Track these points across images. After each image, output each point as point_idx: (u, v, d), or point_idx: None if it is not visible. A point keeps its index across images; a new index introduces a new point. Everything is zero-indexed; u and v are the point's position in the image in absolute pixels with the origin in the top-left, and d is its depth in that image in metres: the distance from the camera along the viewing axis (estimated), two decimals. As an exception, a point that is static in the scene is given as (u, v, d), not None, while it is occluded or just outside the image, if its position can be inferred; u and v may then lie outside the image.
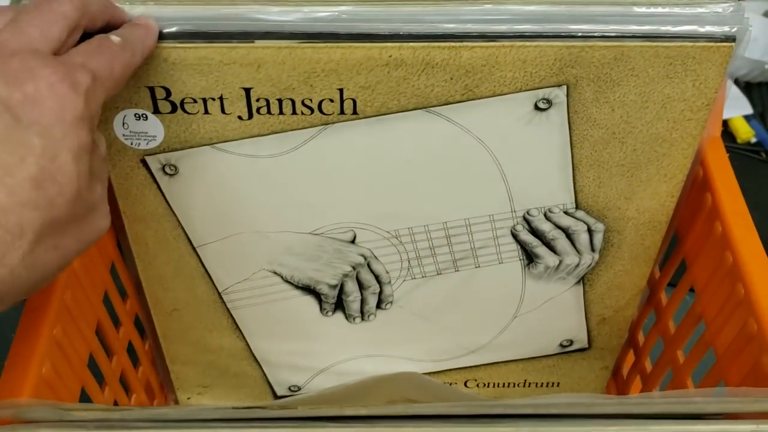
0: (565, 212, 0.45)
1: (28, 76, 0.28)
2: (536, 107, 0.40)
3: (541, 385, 0.57)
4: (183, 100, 0.39)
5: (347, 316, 0.51)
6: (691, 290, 0.46)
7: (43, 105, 0.28)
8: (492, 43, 0.37)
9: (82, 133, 0.29)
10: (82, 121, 0.29)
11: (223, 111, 0.39)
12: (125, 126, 0.40)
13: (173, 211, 0.44)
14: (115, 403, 0.47)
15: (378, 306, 0.50)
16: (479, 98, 0.39)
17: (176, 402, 0.56)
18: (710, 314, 0.43)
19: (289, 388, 0.56)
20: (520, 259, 0.47)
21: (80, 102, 0.28)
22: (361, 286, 0.49)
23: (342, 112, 0.39)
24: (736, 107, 0.77)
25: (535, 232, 0.46)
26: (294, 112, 0.39)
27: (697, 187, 0.45)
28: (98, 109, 0.30)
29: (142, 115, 0.39)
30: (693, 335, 0.46)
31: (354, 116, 0.39)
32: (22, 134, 0.27)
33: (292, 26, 0.37)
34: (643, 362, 0.53)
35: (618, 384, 0.58)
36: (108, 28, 0.34)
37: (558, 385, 0.57)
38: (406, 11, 0.38)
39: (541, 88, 0.39)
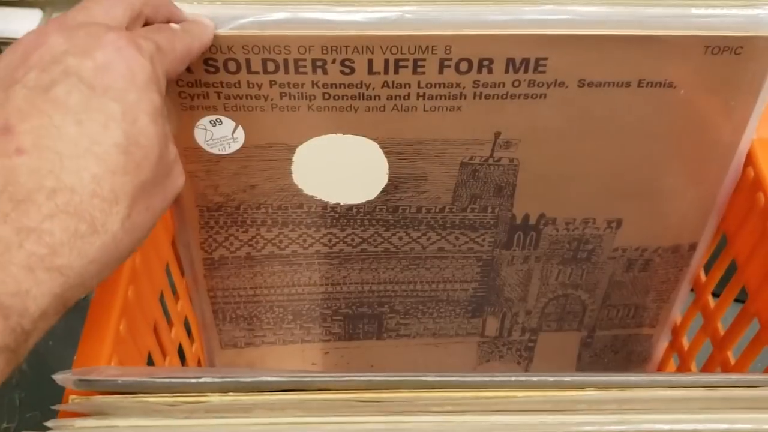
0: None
1: (96, 44, 0.28)
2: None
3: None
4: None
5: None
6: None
7: (115, 71, 0.28)
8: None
9: (155, 95, 0.29)
10: (152, 83, 0.29)
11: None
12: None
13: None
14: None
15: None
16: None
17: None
18: (766, 313, 0.43)
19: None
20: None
21: (147, 64, 0.29)
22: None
23: None
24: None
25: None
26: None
27: (747, 187, 0.45)
28: (164, 76, 0.31)
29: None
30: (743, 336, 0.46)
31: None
32: (100, 102, 0.28)
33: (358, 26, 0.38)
34: (688, 367, 0.53)
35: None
36: (168, 22, 0.34)
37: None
38: (467, 11, 0.38)
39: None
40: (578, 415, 0.29)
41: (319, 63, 0.38)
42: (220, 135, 0.41)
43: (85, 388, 0.29)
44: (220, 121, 0.41)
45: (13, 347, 0.25)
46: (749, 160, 0.45)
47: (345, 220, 0.46)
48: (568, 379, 0.29)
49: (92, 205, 0.26)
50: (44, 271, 0.25)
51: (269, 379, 0.29)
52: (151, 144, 0.29)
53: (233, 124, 0.41)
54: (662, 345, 0.56)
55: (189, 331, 0.52)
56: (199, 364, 0.55)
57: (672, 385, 0.29)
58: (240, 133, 0.41)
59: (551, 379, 0.29)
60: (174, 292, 0.49)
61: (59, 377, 0.29)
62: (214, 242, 0.47)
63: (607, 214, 0.47)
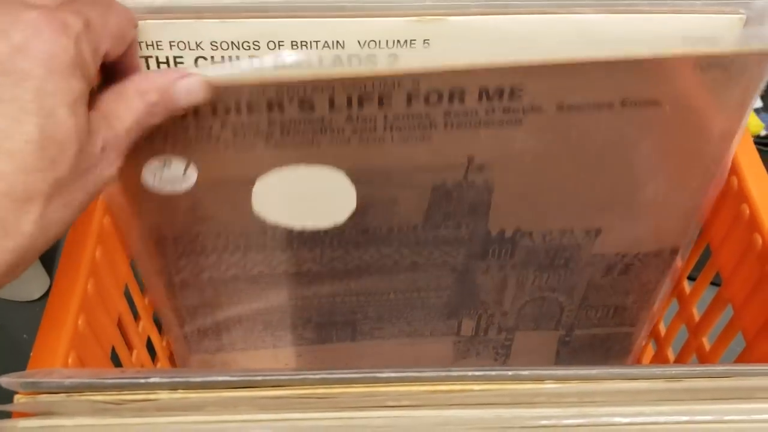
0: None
1: (13, 23, 0.26)
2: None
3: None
4: None
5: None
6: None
7: (32, 55, 0.26)
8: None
9: (75, 81, 0.27)
10: (74, 67, 0.27)
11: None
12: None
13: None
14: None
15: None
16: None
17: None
18: (739, 298, 0.43)
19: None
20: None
21: (71, 46, 0.26)
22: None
23: None
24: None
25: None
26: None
27: (732, 197, 0.44)
28: (94, 56, 0.28)
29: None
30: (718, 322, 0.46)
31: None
32: (14, 91, 0.25)
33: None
34: (665, 353, 0.52)
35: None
36: None
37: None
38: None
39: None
40: (536, 408, 0.28)
41: (275, 102, 0.37)
42: (170, 176, 0.40)
43: (31, 390, 0.28)
44: (170, 161, 0.39)
45: None
46: (733, 168, 0.43)
47: (312, 242, 0.45)
48: (526, 372, 0.28)
49: (2, 206, 0.25)
50: None
51: (220, 378, 0.28)
52: (68, 138, 0.26)
53: (183, 163, 0.39)
54: (642, 341, 0.55)
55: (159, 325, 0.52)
56: (171, 356, 0.54)
57: (633, 377, 0.28)
58: (192, 171, 0.40)
59: (509, 372, 0.28)
60: (141, 284, 0.48)
61: (5, 380, 0.28)
62: (174, 268, 0.46)
63: (585, 224, 0.45)
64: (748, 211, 0.42)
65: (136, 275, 0.47)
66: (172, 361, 0.54)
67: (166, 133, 0.38)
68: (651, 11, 0.37)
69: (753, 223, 0.41)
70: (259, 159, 0.39)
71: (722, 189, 0.44)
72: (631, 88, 0.38)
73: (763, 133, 0.76)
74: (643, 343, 0.56)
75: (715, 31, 0.38)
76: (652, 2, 0.37)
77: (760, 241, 0.40)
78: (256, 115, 0.37)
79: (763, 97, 0.78)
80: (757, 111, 0.77)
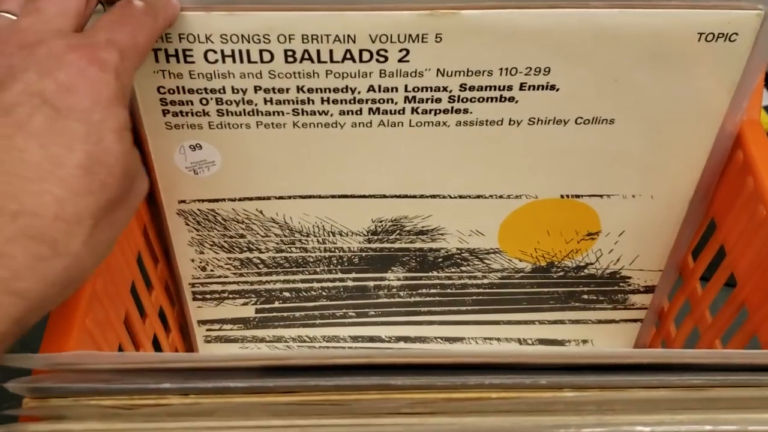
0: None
1: (57, 64, 0.28)
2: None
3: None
4: None
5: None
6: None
7: (78, 91, 0.27)
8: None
9: (120, 110, 0.29)
10: (117, 99, 0.29)
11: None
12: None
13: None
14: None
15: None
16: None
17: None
18: (754, 301, 0.42)
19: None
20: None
21: (112, 81, 0.28)
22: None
23: None
24: (756, 98, 0.76)
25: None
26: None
27: (736, 171, 0.44)
28: (130, 82, 0.30)
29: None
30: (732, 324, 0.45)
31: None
32: (63, 123, 0.27)
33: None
34: (676, 353, 0.52)
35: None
36: None
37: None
38: None
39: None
40: (555, 416, 0.28)
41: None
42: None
43: (39, 395, 0.28)
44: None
45: None
46: (738, 142, 0.43)
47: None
48: (544, 380, 0.27)
49: (54, 228, 0.26)
50: (5, 294, 0.25)
51: (231, 384, 0.27)
52: (116, 162, 0.28)
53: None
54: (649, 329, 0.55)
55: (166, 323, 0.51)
56: (180, 328, 0.54)
57: (653, 386, 0.28)
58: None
59: (527, 380, 0.27)
60: (147, 281, 0.47)
61: (12, 386, 0.28)
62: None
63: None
64: (764, 213, 0.41)
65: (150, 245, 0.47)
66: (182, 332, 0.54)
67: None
68: (666, 6, 0.37)
69: (770, 225, 0.40)
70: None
71: (737, 188, 0.43)
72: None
73: (774, 129, 0.75)
74: (650, 339, 0.55)
75: (732, 27, 0.37)
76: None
77: (776, 243, 0.40)
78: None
79: (773, 93, 0.77)
80: (766, 108, 0.76)
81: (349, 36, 0.36)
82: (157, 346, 0.49)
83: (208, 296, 0.51)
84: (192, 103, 0.39)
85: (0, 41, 0.28)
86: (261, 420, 0.28)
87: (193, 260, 0.49)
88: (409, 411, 0.28)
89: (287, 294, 0.51)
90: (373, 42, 0.37)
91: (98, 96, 0.28)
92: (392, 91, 0.39)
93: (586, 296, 0.52)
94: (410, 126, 0.40)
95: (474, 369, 0.28)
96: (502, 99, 0.39)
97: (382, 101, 0.39)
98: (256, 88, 0.38)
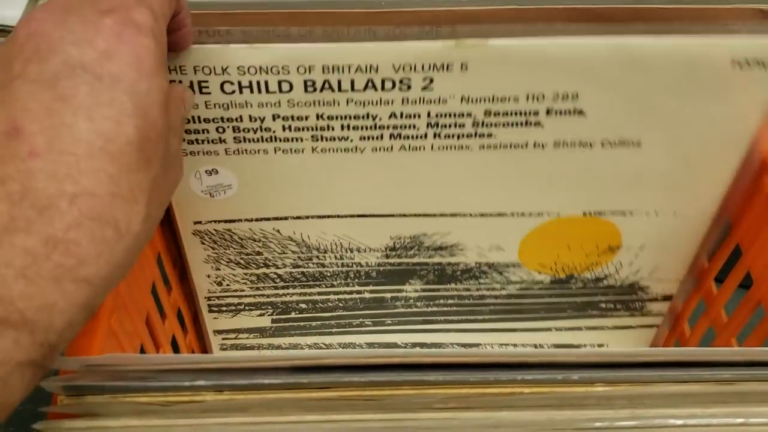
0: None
1: (93, 31, 0.26)
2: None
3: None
4: None
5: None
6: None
7: (119, 57, 0.26)
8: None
9: (161, 79, 0.27)
10: (158, 66, 0.27)
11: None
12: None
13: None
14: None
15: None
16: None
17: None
18: (772, 299, 0.42)
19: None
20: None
21: (152, 44, 0.27)
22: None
23: None
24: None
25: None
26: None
27: (753, 171, 0.44)
28: (165, 43, 0.29)
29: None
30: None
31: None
32: (110, 95, 0.25)
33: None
34: (690, 353, 0.52)
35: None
36: None
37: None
38: None
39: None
40: (588, 410, 0.28)
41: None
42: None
43: (74, 393, 0.28)
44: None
45: (40, 362, 0.24)
46: (756, 144, 0.44)
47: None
48: (576, 376, 0.28)
49: (114, 206, 0.25)
50: (72, 282, 0.24)
51: (265, 381, 0.27)
52: (160, 137, 0.27)
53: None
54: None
55: (182, 322, 0.51)
56: (192, 353, 0.54)
57: (683, 380, 0.28)
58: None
59: (559, 376, 0.28)
60: (166, 282, 0.47)
61: (46, 384, 0.28)
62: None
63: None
64: (781, 212, 0.41)
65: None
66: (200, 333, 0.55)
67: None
68: (699, 32, 0.36)
69: (787, 224, 0.41)
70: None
71: (753, 188, 0.44)
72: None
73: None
74: (664, 340, 0.56)
75: (766, 53, 0.37)
76: (700, 25, 0.36)
77: (794, 241, 0.40)
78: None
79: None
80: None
81: (371, 66, 0.36)
82: (174, 347, 0.49)
83: (224, 308, 0.51)
84: (208, 132, 0.38)
85: (27, 15, 0.26)
86: (295, 415, 0.28)
87: (209, 276, 0.49)
88: (441, 406, 0.28)
89: (303, 306, 0.51)
90: (396, 72, 0.36)
91: (141, 64, 0.26)
92: (414, 117, 0.38)
93: (603, 305, 0.52)
94: (432, 150, 0.40)
95: (506, 367, 0.28)
96: (528, 124, 0.39)
97: (403, 127, 0.39)
98: (275, 117, 0.38)
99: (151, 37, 0.27)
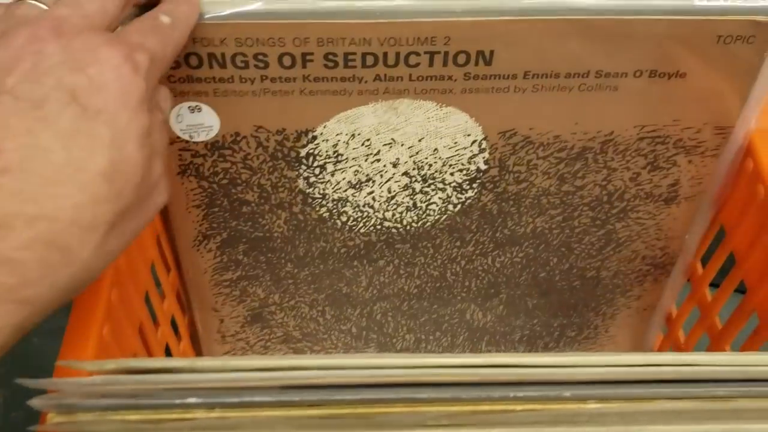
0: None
1: (92, 60, 0.27)
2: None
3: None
4: None
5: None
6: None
7: (108, 91, 0.27)
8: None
9: (144, 116, 0.28)
10: (143, 103, 0.28)
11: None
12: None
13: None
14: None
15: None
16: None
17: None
18: (766, 308, 0.42)
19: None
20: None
21: (142, 83, 0.28)
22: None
23: None
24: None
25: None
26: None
27: (747, 179, 0.44)
28: (155, 89, 0.30)
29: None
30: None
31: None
32: (90, 125, 0.26)
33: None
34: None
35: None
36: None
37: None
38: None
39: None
40: (580, 427, 0.28)
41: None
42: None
43: (64, 411, 0.28)
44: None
45: None
46: (749, 151, 0.44)
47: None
48: (568, 393, 0.27)
49: (70, 233, 0.25)
50: (10, 303, 0.24)
51: (257, 399, 0.27)
52: (134, 170, 0.27)
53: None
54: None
55: (176, 329, 0.51)
56: (191, 337, 0.54)
57: (676, 397, 0.28)
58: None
59: (552, 393, 0.28)
60: (160, 290, 0.47)
61: (35, 403, 0.27)
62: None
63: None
64: (776, 221, 0.41)
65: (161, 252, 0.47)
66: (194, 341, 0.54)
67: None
68: (685, 12, 0.37)
69: (782, 233, 0.41)
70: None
71: (748, 196, 0.44)
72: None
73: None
74: (658, 345, 0.56)
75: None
76: (686, 4, 0.37)
77: (789, 251, 0.40)
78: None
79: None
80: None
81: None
82: (168, 354, 0.49)
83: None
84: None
85: (33, 26, 0.27)
86: (286, 433, 0.28)
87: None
88: (434, 423, 0.28)
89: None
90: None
91: (127, 98, 0.27)
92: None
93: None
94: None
95: (499, 383, 0.28)
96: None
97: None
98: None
99: (144, 78, 0.28)
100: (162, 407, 0.27)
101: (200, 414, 0.28)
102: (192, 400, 0.27)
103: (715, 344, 0.48)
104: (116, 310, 0.38)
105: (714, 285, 0.48)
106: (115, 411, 0.28)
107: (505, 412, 0.28)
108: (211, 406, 0.28)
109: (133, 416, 0.28)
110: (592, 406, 0.28)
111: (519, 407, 0.28)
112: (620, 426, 0.28)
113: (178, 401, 0.27)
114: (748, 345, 0.44)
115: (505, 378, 0.28)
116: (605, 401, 0.28)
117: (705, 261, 0.50)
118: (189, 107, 0.40)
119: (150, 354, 0.45)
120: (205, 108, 0.40)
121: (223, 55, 0.38)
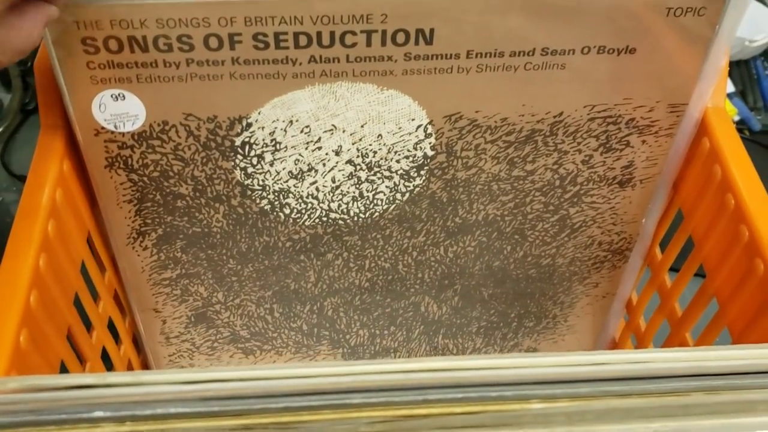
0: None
1: None
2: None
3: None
4: None
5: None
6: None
7: None
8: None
9: None
10: None
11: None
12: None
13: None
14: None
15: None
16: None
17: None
18: (725, 293, 0.41)
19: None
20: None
21: None
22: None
23: None
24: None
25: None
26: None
27: (703, 160, 0.42)
28: None
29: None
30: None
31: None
32: None
33: None
34: (646, 347, 0.51)
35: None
36: None
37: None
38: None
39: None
40: (523, 429, 0.26)
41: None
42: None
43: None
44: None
45: None
46: (704, 130, 0.42)
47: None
48: (510, 393, 0.25)
49: None
50: None
51: (172, 410, 0.25)
52: None
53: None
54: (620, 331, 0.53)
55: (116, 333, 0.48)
56: (129, 365, 0.51)
57: (624, 394, 0.26)
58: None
59: (493, 393, 0.26)
60: (93, 292, 0.45)
61: None
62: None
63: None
64: (732, 202, 0.40)
65: (94, 251, 0.44)
66: (137, 344, 0.52)
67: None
68: None
69: (739, 215, 0.39)
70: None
71: (706, 180, 0.42)
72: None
73: (736, 118, 0.74)
74: (620, 333, 0.54)
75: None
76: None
77: (746, 233, 0.38)
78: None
79: (735, 83, 0.76)
80: (729, 96, 0.75)
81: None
82: (107, 360, 0.47)
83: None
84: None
85: None
86: (205, 446, 0.25)
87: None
88: (367, 430, 0.26)
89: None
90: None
91: None
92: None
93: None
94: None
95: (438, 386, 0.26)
96: None
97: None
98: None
99: None
100: (66, 423, 0.25)
101: (109, 428, 0.25)
102: (99, 413, 0.25)
103: (675, 331, 0.46)
104: (36, 315, 0.36)
105: (675, 270, 0.47)
106: (15, 429, 0.25)
107: (442, 416, 0.26)
108: (121, 420, 0.25)
109: (34, 434, 0.25)
110: (537, 405, 0.26)
111: (458, 409, 0.26)
112: (565, 427, 0.26)
113: (84, 415, 0.25)
114: (707, 331, 0.42)
115: (443, 381, 0.26)
116: (550, 400, 0.26)
117: (664, 246, 0.48)
118: (112, 95, 0.37)
119: (83, 360, 0.42)
120: (128, 96, 0.37)
121: (144, 38, 0.35)
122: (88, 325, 0.43)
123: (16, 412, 0.25)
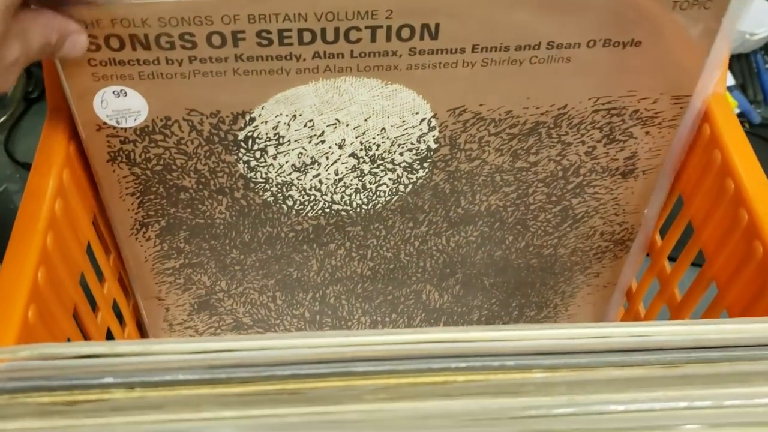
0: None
1: None
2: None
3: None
4: None
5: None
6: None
7: None
8: None
9: None
10: None
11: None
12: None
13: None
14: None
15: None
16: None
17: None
18: (723, 277, 0.41)
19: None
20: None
21: None
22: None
23: None
24: (719, 79, 0.76)
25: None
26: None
27: (704, 146, 0.43)
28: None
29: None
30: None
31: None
32: None
33: None
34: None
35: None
36: None
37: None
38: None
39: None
40: (524, 398, 0.26)
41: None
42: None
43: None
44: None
45: None
46: (705, 116, 0.43)
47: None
48: (512, 362, 0.26)
49: None
50: None
51: (180, 377, 0.25)
52: None
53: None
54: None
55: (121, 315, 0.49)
56: (138, 323, 0.51)
57: (626, 364, 0.26)
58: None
59: (495, 363, 0.26)
60: (99, 273, 0.45)
61: None
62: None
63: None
64: (732, 187, 0.40)
65: (100, 235, 0.45)
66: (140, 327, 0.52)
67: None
68: None
69: (739, 199, 0.39)
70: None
71: (706, 165, 0.43)
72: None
73: (736, 111, 0.75)
74: (619, 319, 0.55)
75: None
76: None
77: (746, 216, 0.39)
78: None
79: (735, 76, 0.77)
80: (729, 89, 0.76)
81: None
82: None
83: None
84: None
85: None
86: (212, 412, 0.26)
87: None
88: (372, 398, 0.26)
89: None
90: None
91: None
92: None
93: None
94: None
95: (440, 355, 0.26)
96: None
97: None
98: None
99: None
100: (76, 388, 0.25)
101: (119, 394, 0.26)
102: (109, 379, 0.25)
103: (674, 316, 0.47)
104: (44, 292, 0.36)
105: (673, 259, 0.47)
106: (26, 393, 0.25)
107: (445, 384, 0.26)
108: (130, 386, 0.26)
109: (46, 398, 0.25)
110: (538, 375, 0.26)
111: (461, 378, 0.26)
112: (566, 396, 0.26)
113: (94, 381, 0.25)
114: (706, 315, 0.43)
115: (446, 351, 0.26)
116: (551, 370, 0.26)
117: (664, 232, 0.49)
118: (113, 92, 0.38)
119: (88, 339, 0.43)
120: (130, 92, 0.38)
121: (146, 36, 0.35)
122: (94, 307, 0.44)
123: (27, 378, 0.26)
